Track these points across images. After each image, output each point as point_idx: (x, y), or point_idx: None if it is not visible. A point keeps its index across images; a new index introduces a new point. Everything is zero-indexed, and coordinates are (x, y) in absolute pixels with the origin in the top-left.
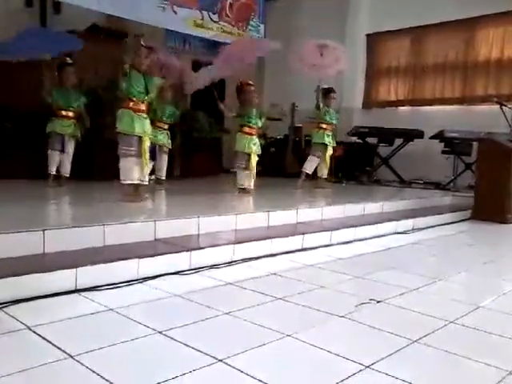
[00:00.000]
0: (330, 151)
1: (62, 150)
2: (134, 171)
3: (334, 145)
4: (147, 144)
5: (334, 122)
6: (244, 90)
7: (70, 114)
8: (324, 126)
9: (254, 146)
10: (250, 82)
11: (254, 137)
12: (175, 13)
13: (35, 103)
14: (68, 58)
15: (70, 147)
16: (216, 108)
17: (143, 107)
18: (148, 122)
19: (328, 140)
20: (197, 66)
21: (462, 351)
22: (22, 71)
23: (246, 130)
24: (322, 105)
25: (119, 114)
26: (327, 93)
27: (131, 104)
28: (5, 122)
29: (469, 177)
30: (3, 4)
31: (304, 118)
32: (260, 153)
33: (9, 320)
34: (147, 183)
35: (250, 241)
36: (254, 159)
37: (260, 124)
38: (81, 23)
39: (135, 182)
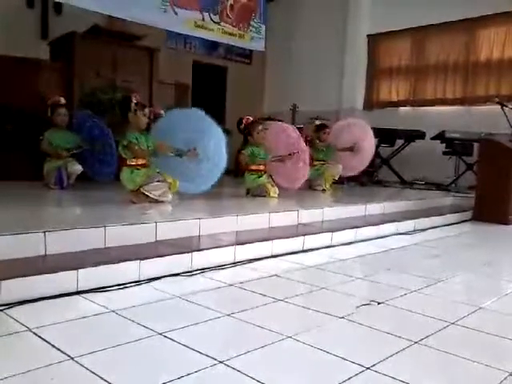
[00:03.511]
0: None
1: (62, 185)
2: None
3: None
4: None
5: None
6: (254, 127)
7: (66, 153)
8: (316, 162)
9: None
10: (256, 121)
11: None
12: (176, 14)
13: (35, 104)
14: (61, 98)
15: (74, 169)
16: (217, 109)
17: None
18: None
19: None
20: (197, 66)
21: (463, 352)
22: (22, 73)
23: (254, 167)
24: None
25: None
26: (320, 128)
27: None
28: (5, 123)
29: (470, 177)
30: (4, 5)
31: (305, 119)
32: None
33: (10, 322)
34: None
35: (252, 242)
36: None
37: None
38: (82, 24)
39: (153, 197)
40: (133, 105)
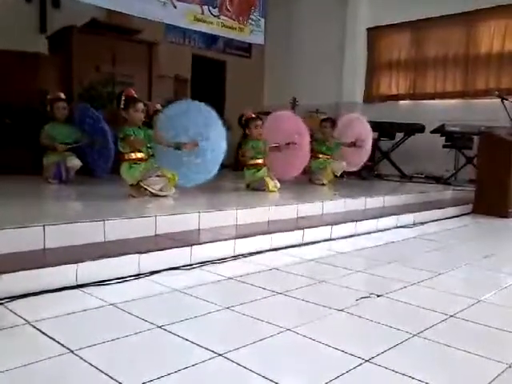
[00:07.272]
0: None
1: (61, 179)
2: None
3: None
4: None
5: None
6: (251, 123)
7: (65, 147)
8: (320, 155)
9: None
10: (256, 116)
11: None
12: (175, 7)
13: (34, 98)
14: (61, 94)
15: (73, 164)
16: (217, 103)
17: None
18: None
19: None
20: (197, 60)
21: (462, 345)
22: (20, 67)
23: (252, 162)
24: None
25: None
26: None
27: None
28: (3, 117)
29: (470, 171)
30: (2, 0)
31: (305, 113)
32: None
33: (9, 315)
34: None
35: (251, 236)
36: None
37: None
38: (80, 18)
39: (153, 191)
40: (122, 103)
